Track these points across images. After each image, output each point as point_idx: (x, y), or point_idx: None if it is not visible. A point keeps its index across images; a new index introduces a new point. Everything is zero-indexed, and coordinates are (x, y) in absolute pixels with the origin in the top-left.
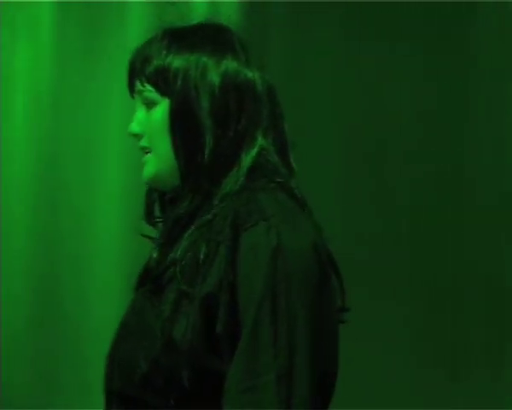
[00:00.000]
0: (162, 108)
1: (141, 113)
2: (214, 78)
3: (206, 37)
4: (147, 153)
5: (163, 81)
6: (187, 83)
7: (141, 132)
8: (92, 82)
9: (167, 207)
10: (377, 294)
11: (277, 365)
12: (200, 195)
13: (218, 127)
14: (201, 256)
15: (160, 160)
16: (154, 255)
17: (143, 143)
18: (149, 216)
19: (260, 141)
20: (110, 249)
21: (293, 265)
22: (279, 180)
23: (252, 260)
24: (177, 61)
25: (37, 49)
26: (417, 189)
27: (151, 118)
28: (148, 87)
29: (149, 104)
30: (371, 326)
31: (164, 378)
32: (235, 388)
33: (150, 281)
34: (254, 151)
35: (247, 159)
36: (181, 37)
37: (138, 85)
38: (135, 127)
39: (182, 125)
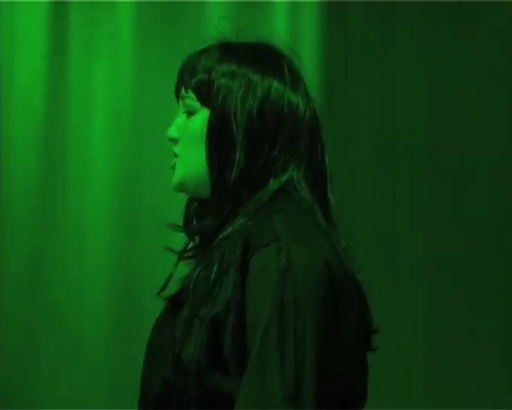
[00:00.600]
0: (201, 117)
1: (181, 118)
2: (255, 98)
3: (256, 57)
4: (176, 156)
5: (206, 92)
6: (228, 98)
7: (177, 138)
8: (171, 98)
9: (195, 219)
10: None
11: (284, 386)
12: (224, 212)
13: (251, 147)
14: (213, 276)
15: (189, 167)
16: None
17: (177, 148)
18: (187, 226)
19: (292, 170)
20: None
21: (302, 286)
22: (300, 205)
23: (261, 282)
24: (222, 76)
25: (117, 66)
26: None
27: (189, 125)
28: (191, 95)
29: (190, 112)
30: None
31: (175, 400)
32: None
33: (168, 299)
34: (284, 178)
35: (275, 184)
36: (232, 52)
37: (183, 91)
38: (173, 132)
39: (217, 139)
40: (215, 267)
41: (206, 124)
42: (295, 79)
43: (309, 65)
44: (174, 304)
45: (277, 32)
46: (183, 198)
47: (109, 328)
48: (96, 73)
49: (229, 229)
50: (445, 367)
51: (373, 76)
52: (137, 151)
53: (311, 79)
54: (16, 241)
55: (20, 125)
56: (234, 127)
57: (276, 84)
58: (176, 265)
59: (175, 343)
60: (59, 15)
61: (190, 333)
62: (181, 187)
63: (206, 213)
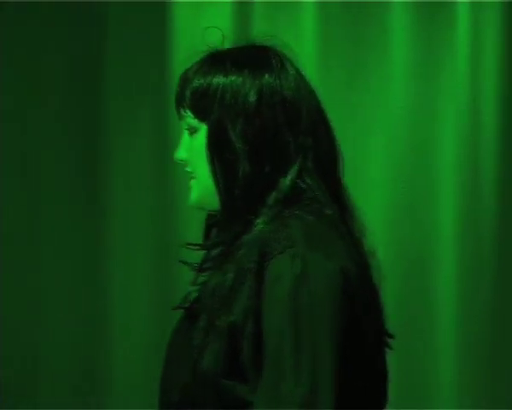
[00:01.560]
0: (202, 133)
1: (185, 138)
2: (248, 99)
3: (243, 59)
4: (192, 178)
5: (200, 107)
6: (221, 106)
7: (185, 159)
8: (356, 113)
9: (212, 231)
10: None
11: (300, 394)
12: (240, 222)
13: (253, 153)
14: (229, 284)
15: (201, 185)
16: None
17: (188, 168)
18: (205, 242)
19: (299, 164)
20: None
21: (316, 292)
22: (316, 206)
23: (275, 289)
24: (212, 87)
25: None
26: None
27: (193, 144)
28: (189, 113)
29: (191, 130)
30: None
31: (193, 407)
32: None
33: (184, 307)
34: (292, 175)
35: (285, 184)
36: (219, 60)
37: (181, 111)
38: (180, 153)
39: (217, 151)
40: (231, 275)
41: (205, 139)
42: (285, 68)
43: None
44: (191, 312)
45: (460, 33)
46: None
47: None
48: None
49: (246, 237)
50: None
51: None
52: None
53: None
54: None
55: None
56: (232, 137)
57: (267, 79)
58: (195, 280)
59: (193, 352)
60: (241, 31)
61: (208, 342)
62: (197, 205)
63: (219, 226)
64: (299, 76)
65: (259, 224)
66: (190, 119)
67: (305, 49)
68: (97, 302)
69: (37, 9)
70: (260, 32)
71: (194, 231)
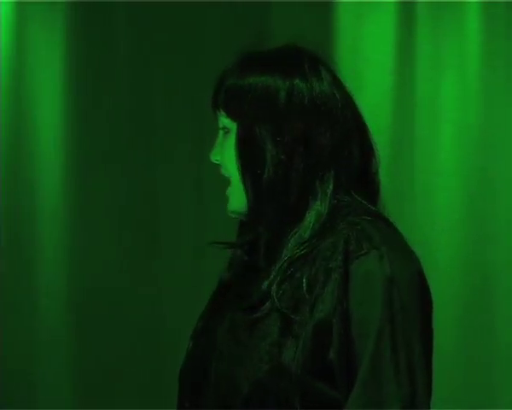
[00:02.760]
0: (233, 134)
1: (219, 139)
2: (278, 102)
3: (275, 60)
4: (229, 182)
5: (233, 106)
6: (251, 107)
7: (219, 160)
8: None
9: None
10: None
11: (401, 395)
12: (279, 226)
13: (282, 154)
14: (304, 286)
15: (235, 189)
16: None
17: (223, 170)
18: (238, 239)
19: (335, 169)
20: None
21: (407, 294)
22: (372, 209)
23: (366, 288)
24: (245, 86)
25: (464, 79)
26: None
27: (225, 145)
28: (222, 113)
29: (225, 130)
30: None
31: (272, 402)
32: None
33: (244, 305)
34: (330, 182)
35: (326, 187)
36: (253, 61)
37: (216, 111)
38: (214, 155)
39: (244, 151)
40: (308, 272)
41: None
42: (318, 72)
43: None
44: (251, 310)
45: None
46: None
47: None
48: (444, 87)
49: (305, 245)
50: None
51: None
52: (484, 165)
53: None
54: None
55: None
56: (259, 138)
57: (298, 83)
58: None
59: (270, 347)
60: (405, 32)
61: (288, 337)
62: (235, 213)
63: (247, 227)
64: (334, 80)
65: (313, 230)
66: (224, 118)
67: (469, 49)
68: None
69: (191, 11)
70: (423, 32)
71: None
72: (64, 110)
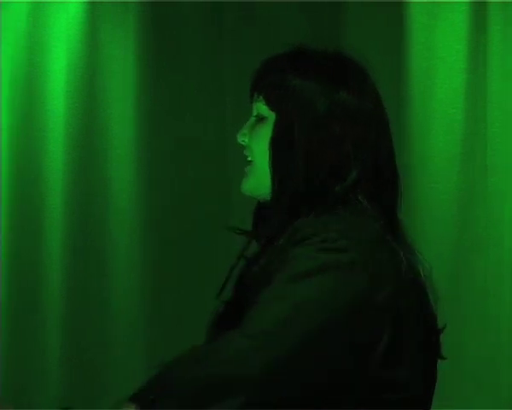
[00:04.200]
0: (269, 122)
1: (251, 123)
2: (319, 108)
3: (325, 66)
4: (248, 164)
5: (274, 96)
6: (294, 105)
7: (246, 143)
8: None
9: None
10: None
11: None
12: (283, 217)
13: (311, 156)
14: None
15: (257, 173)
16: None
17: (247, 152)
18: (254, 230)
19: (355, 179)
20: None
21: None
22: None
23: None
24: (291, 82)
25: None
26: None
27: (257, 130)
28: (261, 99)
29: (259, 116)
30: None
31: None
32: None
33: (234, 292)
34: (347, 186)
35: (338, 190)
36: (303, 60)
37: (255, 95)
38: (242, 137)
39: (280, 143)
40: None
41: (271, 129)
42: (364, 85)
43: None
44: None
45: None
46: None
47: None
48: None
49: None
50: None
51: None
52: None
53: None
54: (438, 255)
55: (440, 139)
56: (296, 136)
57: (341, 94)
58: (232, 268)
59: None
60: (477, 31)
61: None
62: (249, 192)
63: (270, 217)
64: (375, 93)
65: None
66: (262, 105)
67: None
68: None
69: (263, 11)
70: (496, 31)
71: None
72: (136, 109)
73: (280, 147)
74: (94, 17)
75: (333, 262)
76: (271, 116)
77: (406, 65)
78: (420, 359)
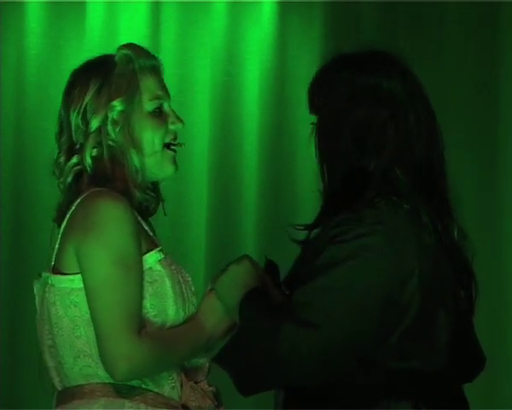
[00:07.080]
0: (315, 126)
1: (310, 133)
2: (359, 109)
3: (366, 64)
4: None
5: (316, 102)
6: (332, 106)
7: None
8: None
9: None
10: None
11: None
12: (332, 208)
13: (352, 155)
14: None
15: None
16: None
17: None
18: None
19: (397, 174)
20: None
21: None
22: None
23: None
24: (329, 84)
25: None
26: None
27: (311, 137)
28: (312, 109)
29: (314, 124)
30: None
31: None
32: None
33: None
34: (389, 185)
35: (375, 183)
36: (344, 63)
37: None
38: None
39: (323, 145)
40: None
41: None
42: (405, 77)
43: None
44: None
45: None
46: None
47: None
48: None
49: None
50: None
51: None
52: None
53: None
54: None
55: None
56: (336, 134)
57: (385, 84)
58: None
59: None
60: None
61: None
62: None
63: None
64: (418, 85)
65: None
66: (312, 110)
67: None
68: None
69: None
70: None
71: None
72: None
73: (323, 146)
74: (283, 14)
75: (364, 247)
76: (315, 119)
77: None
78: (445, 330)
